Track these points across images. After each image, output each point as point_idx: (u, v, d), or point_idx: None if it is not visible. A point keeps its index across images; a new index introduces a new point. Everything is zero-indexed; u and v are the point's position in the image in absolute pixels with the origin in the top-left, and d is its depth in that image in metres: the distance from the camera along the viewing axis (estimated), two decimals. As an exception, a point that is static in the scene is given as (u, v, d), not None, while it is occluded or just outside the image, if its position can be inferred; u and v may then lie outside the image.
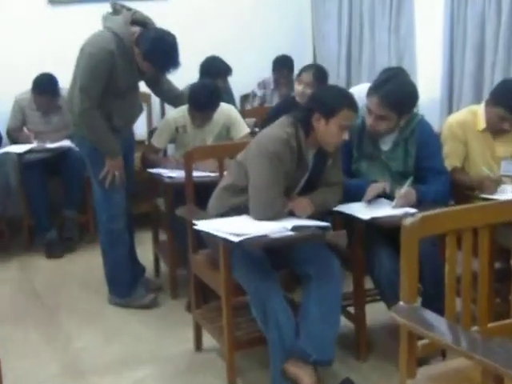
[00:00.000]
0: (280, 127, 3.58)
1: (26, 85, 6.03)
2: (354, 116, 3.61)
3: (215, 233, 3.35)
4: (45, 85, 5.89)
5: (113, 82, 4.41)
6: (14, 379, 3.67)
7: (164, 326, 4.51)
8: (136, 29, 4.41)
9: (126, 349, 4.24)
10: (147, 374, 3.94)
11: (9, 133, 6.18)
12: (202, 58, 6.18)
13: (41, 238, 6.01)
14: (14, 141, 6.12)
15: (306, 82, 5.02)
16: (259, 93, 6.77)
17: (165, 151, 5.42)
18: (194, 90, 4.93)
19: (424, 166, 3.87)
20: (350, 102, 3.58)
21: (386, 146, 3.92)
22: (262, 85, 6.80)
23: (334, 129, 3.54)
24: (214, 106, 4.93)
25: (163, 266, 5.27)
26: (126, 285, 4.81)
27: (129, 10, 4.49)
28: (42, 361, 4.10)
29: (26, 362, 4.05)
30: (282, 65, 6.63)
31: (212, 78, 5.61)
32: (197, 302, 4.06)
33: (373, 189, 3.77)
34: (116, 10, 4.50)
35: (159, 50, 4.34)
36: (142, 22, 4.45)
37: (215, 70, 5.95)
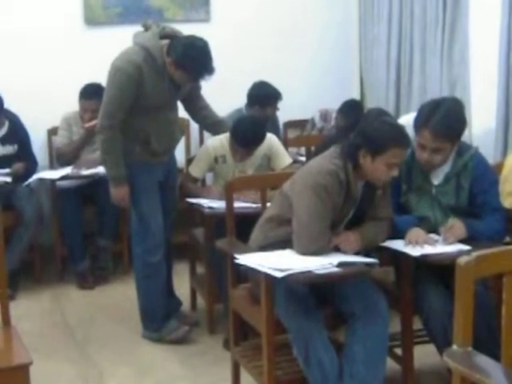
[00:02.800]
0: (328, 159, 3.58)
1: (63, 107, 6.15)
2: (403, 153, 3.58)
3: (257, 267, 3.35)
4: (93, 89, 5.95)
5: (143, 98, 4.46)
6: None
7: (200, 363, 4.51)
8: (165, 41, 4.47)
9: (159, 386, 4.26)
10: (182, 413, 3.96)
11: (60, 152, 6.24)
12: (245, 80, 6.23)
13: (73, 268, 6.05)
14: (66, 160, 6.18)
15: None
16: (319, 124, 6.72)
17: (203, 180, 5.44)
18: (240, 125, 4.94)
19: (478, 201, 3.83)
20: (399, 139, 3.52)
21: (437, 179, 3.89)
22: (324, 116, 6.70)
23: (380, 167, 3.52)
24: (259, 143, 4.95)
25: (200, 300, 5.27)
26: (160, 319, 4.82)
27: (158, 26, 4.56)
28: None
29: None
30: (351, 112, 6.13)
31: (261, 106, 5.60)
32: (235, 339, 4.04)
33: (413, 234, 3.72)
34: (147, 27, 4.57)
35: (190, 55, 4.37)
36: (172, 36, 4.51)
37: (264, 97, 5.95)
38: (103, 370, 4.47)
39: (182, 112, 4.99)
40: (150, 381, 4.33)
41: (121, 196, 4.65)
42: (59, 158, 6.29)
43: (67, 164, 6.10)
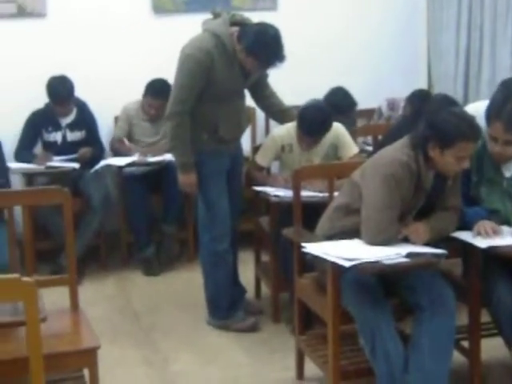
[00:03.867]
0: (400, 149, 3.56)
1: (130, 95, 6.22)
2: (472, 147, 3.52)
3: (324, 256, 3.35)
4: (160, 87, 6.01)
5: (213, 84, 4.48)
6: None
7: (264, 351, 4.53)
8: (235, 29, 4.48)
9: (223, 373, 4.28)
10: (245, 400, 3.98)
11: (113, 143, 6.35)
12: (311, 69, 6.19)
13: (139, 255, 6.12)
14: (116, 152, 6.28)
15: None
16: (386, 113, 6.67)
17: (268, 169, 5.45)
18: (305, 114, 4.90)
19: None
20: (467, 133, 3.46)
21: (508, 172, 3.82)
22: (391, 105, 6.64)
23: (449, 159, 3.48)
24: (325, 132, 4.92)
25: (264, 288, 5.29)
26: (226, 307, 4.84)
27: (228, 13, 4.58)
28: (138, 383, 4.20)
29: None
30: (419, 102, 5.63)
31: (334, 113, 5.42)
32: (300, 328, 4.06)
33: (482, 225, 3.66)
34: (215, 15, 4.59)
35: (262, 42, 4.38)
36: (242, 23, 4.52)
37: (337, 106, 5.78)
38: (168, 356, 4.52)
39: (249, 101, 5.00)
40: (213, 368, 4.36)
41: (189, 182, 4.66)
42: (112, 151, 6.40)
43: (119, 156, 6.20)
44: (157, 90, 6.04)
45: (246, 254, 5.55)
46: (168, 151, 4.96)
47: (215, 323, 4.88)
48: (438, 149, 3.48)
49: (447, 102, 4.73)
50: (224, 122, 4.61)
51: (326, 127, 4.91)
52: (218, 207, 4.68)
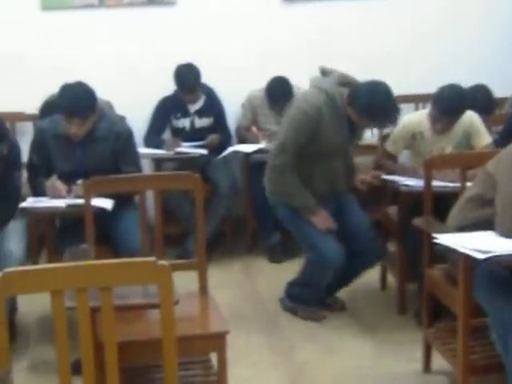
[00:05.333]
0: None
1: (257, 82, 6.24)
2: None
3: (457, 248, 3.28)
4: (282, 89, 6.05)
5: (318, 141, 4.51)
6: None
7: (389, 342, 4.49)
8: (344, 89, 4.50)
9: (346, 363, 4.26)
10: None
11: (238, 131, 6.40)
12: (400, 68, 6.10)
13: (264, 241, 6.16)
14: (242, 140, 6.32)
15: None
16: None
17: (395, 158, 5.37)
18: (442, 92, 4.80)
19: None
20: None
21: None
22: None
23: None
24: (461, 112, 4.80)
25: (390, 279, 5.23)
26: (305, 300, 4.90)
27: (335, 72, 4.61)
28: (263, 370, 4.22)
29: (247, 370, 4.17)
30: None
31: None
32: (429, 320, 4.00)
33: None
34: (324, 73, 4.63)
35: (375, 102, 4.39)
36: (349, 84, 4.54)
37: (476, 104, 5.25)
38: (293, 344, 4.53)
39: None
40: (337, 357, 4.34)
41: (323, 220, 4.62)
42: (238, 138, 6.44)
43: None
44: (278, 94, 6.08)
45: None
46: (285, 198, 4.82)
47: (287, 304, 4.96)
48: None
49: None
50: (317, 180, 4.65)
51: (463, 106, 4.79)
52: (323, 246, 4.61)
